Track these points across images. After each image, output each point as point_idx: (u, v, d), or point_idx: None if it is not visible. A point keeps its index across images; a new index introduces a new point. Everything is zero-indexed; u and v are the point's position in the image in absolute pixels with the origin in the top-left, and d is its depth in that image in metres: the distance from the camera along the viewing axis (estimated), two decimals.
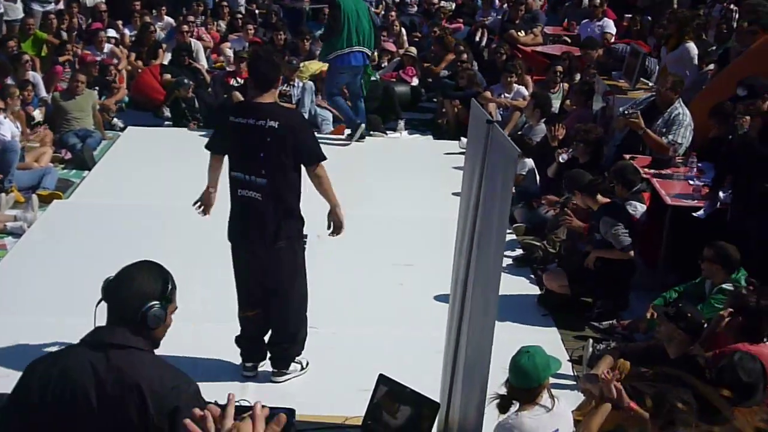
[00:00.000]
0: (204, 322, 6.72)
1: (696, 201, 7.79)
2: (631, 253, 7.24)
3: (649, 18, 15.49)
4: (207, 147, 6.21)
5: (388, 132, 12.63)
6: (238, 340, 6.35)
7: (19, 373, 5.85)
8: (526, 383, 4.70)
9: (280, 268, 6.07)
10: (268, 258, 6.03)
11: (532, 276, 8.12)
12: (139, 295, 3.22)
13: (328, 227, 6.28)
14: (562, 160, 9.09)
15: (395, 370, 4.95)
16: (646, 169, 8.41)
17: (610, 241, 7.23)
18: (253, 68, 6.14)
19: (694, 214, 7.63)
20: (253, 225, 5.97)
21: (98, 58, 13.30)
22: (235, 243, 6.14)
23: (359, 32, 11.52)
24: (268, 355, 6.38)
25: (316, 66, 13.63)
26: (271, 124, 5.80)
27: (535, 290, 7.85)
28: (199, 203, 6.43)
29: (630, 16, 15.72)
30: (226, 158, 6.09)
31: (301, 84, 12.77)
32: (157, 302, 3.23)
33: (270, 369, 6.37)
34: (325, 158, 6.05)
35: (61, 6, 15.48)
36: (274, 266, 6.05)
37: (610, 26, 14.96)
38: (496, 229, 4.07)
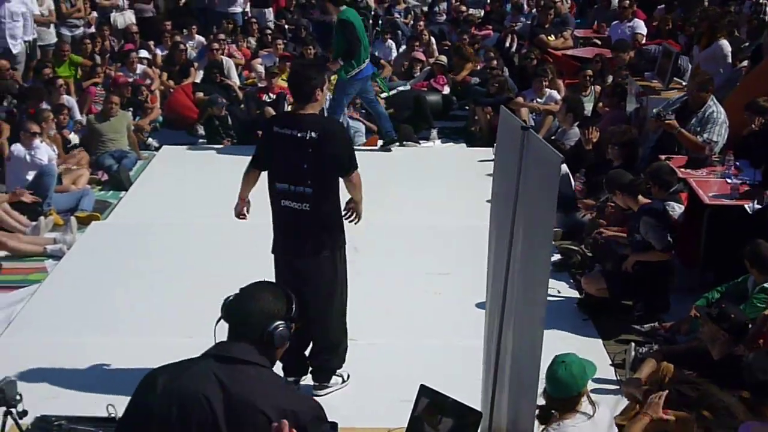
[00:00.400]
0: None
1: (734, 200, 7.71)
2: (672, 253, 7.18)
3: (681, 14, 15.36)
4: (252, 162, 6.21)
5: (420, 141, 12.63)
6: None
7: (65, 392, 5.91)
8: (566, 393, 4.66)
9: (321, 278, 6.08)
10: (311, 269, 6.04)
11: (571, 281, 8.07)
12: (265, 313, 3.23)
13: (346, 211, 6.27)
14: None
15: (435, 380, 4.94)
16: (682, 169, 8.34)
17: (649, 241, 7.17)
18: (292, 82, 6.21)
19: (747, 208, 7.54)
20: (298, 236, 5.99)
21: (130, 79, 13.41)
22: (278, 255, 6.13)
23: (365, 45, 11.73)
24: (309, 369, 6.37)
25: None
26: (312, 135, 5.85)
27: (575, 295, 7.80)
28: (239, 214, 6.39)
29: (662, 6, 15.55)
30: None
31: (331, 96, 12.79)
32: (283, 322, 3.25)
33: (311, 383, 6.37)
34: (357, 166, 6.10)
35: (92, 29, 15.64)
36: (317, 277, 6.06)
37: (640, 27, 14.87)
38: (542, 237, 4.02)
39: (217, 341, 3.26)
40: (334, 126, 6.49)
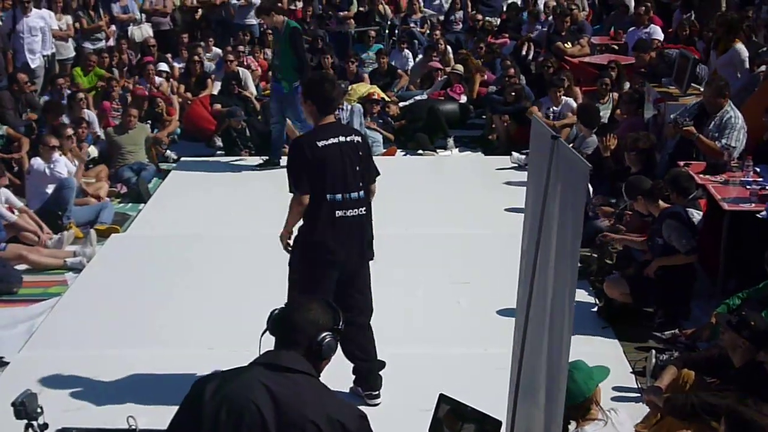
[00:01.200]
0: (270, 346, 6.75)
1: (754, 205, 7.67)
2: (696, 256, 7.16)
3: (693, 18, 15.28)
4: (296, 189, 5.92)
5: (438, 150, 12.63)
6: None
7: (86, 404, 5.93)
8: (571, 400, 4.65)
9: (367, 282, 6.25)
10: (361, 273, 6.18)
11: (590, 288, 8.04)
12: (315, 324, 3.27)
13: None
14: None
15: (456, 389, 4.93)
16: (700, 176, 8.30)
17: (673, 245, 7.14)
18: (319, 91, 5.99)
19: (758, 215, 7.51)
20: (357, 243, 6.05)
21: (146, 92, 13.48)
22: (330, 265, 6.00)
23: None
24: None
25: (364, 88, 13.73)
26: (357, 139, 5.99)
27: (594, 302, 7.77)
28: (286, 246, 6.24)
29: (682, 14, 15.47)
30: None
31: (349, 107, 12.84)
32: (330, 333, 3.28)
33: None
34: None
35: (111, 42, 15.74)
36: (364, 281, 6.22)
37: (657, 33, 14.82)
38: (570, 246, 3.97)
39: (262, 352, 3.31)
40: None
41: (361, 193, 5.96)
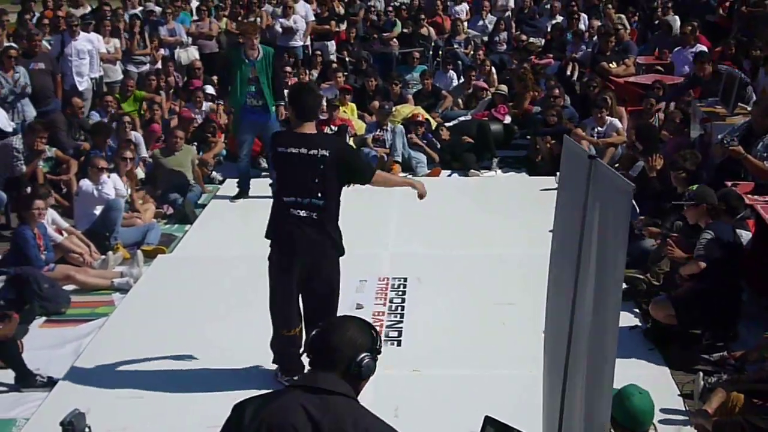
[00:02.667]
0: None
1: None
2: (702, 264, 7.06)
3: (744, 38, 15.14)
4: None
5: (482, 171, 12.61)
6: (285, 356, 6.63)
7: (133, 425, 5.97)
8: (639, 425, 4.61)
9: (330, 282, 6.51)
10: (320, 273, 6.44)
11: (636, 310, 7.97)
12: (353, 344, 3.25)
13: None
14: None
15: (502, 412, 4.90)
16: (748, 196, 8.21)
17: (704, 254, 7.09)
18: (299, 99, 6.44)
19: None
20: (308, 242, 6.31)
21: (192, 115, 13.61)
22: (286, 262, 6.39)
23: None
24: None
25: (408, 109, 13.76)
26: (323, 153, 6.22)
27: (641, 324, 7.70)
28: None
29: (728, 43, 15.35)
30: None
31: (392, 127, 12.87)
32: (369, 353, 3.27)
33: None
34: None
35: (158, 65, 15.92)
36: (326, 281, 6.48)
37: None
38: (613, 269, 3.94)
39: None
40: (341, 142, 7.29)
41: (319, 201, 6.25)
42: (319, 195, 6.25)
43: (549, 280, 4.87)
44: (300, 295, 6.53)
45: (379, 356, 3.32)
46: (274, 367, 6.77)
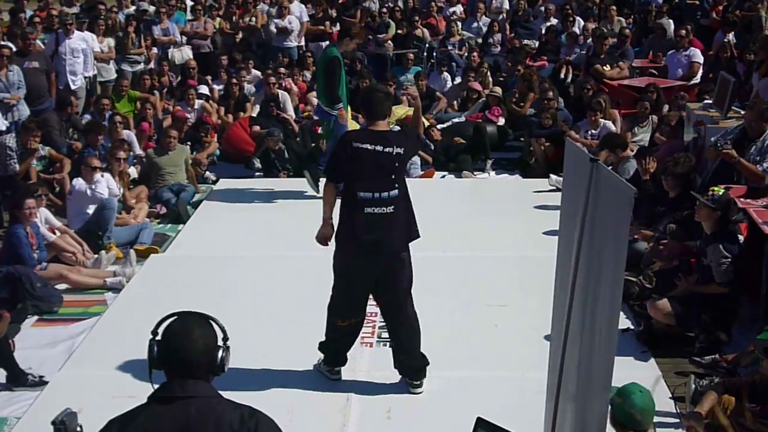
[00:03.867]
0: (305, 365, 6.77)
1: None
2: (730, 288, 7.09)
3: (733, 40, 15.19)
4: (327, 177, 6.64)
5: (476, 172, 12.62)
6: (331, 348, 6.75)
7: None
8: (638, 424, 4.62)
9: (403, 276, 6.51)
10: (393, 267, 6.44)
11: (629, 312, 7.97)
12: (208, 351, 3.23)
13: None
14: None
15: (493, 413, 4.91)
16: (741, 199, 8.22)
17: (711, 267, 7.09)
18: (370, 99, 6.51)
19: None
20: (386, 236, 6.31)
21: (188, 115, 13.61)
22: (358, 256, 6.38)
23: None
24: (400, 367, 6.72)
25: (402, 111, 13.74)
26: (398, 150, 6.33)
27: (633, 327, 7.71)
28: (320, 237, 6.64)
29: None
30: None
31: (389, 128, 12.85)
32: (222, 348, 3.28)
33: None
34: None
35: (152, 65, 15.91)
36: (399, 275, 6.48)
37: (697, 55, 14.76)
38: (613, 271, 3.94)
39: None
40: (410, 138, 6.86)
41: (392, 192, 6.29)
42: (396, 186, 6.33)
43: (555, 283, 4.87)
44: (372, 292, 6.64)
45: (229, 341, 3.28)
46: (279, 363, 6.89)
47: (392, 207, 6.29)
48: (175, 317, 3.30)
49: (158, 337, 3.26)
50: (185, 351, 3.18)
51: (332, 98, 10.85)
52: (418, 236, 6.51)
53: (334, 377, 6.80)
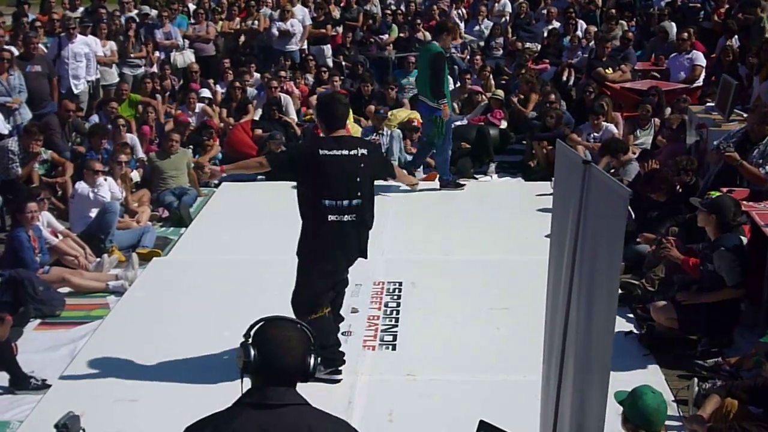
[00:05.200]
0: None
1: None
2: (740, 291, 7.09)
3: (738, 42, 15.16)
4: (270, 163, 6.75)
5: (478, 176, 12.62)
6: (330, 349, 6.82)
7: (127, 427, 5.96)
8: (649, 425, 4.62)
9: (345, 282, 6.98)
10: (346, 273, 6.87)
11: (631, 315, 7.97)
12: (300, 358, 3.14)
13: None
14: None
15: (495, 416, 4.91)
16: (744, 202, 8.22)
17: (722, 275, 7.07)
18: (329, 108, 6.68)
19: None
20: (348, 244, 6.59)
21: (188, 119, 13.62)
22: (323, 260, 6.61)
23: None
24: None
25: (404, 114, 13.76)
26: (362, 151, 6.52)
27: (636, 330, 7.70)
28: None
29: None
30: None
31: (389, 132, 12.88)
32: (312, 353, 3.18)
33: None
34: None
35: (154, 68, 15.91)
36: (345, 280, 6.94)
37: (699, 58, 14.76)
38: (608, 274, 3.92)
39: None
40: (372, 143, 7.17)
41: (355, 201, 6.48)
42: (359, 194, 6.50)
43: (548, 286, 4.87)
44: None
45: (315, 347, 3.19)
46: None
47: (354, 215, 6.50)
48: (266, 322, 3.22)
49: (255, 342, 3.18)
50: (286, 358, 3.12)
51: (438, 94, 11.10)
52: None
53: (336, 379, 6.79)
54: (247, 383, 3.14)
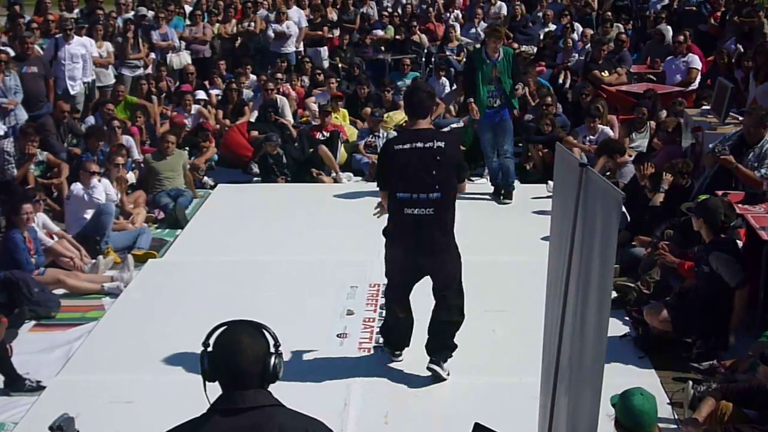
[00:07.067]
0: (306, 373, 6.77)
1: None
2: (745, 289, 7.09)
3: (737, 46, 15.17)
4: (379, 187, 6.79)
5: (473, 178, 12.61)
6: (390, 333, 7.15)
7: (122, 429, 5.94)
8: (639, 427, 4.61)
9: (447, 280, 6.78)
10: (441, 271, 6.73)
11: (627, 318, 7.97)
12: (258, 359, 3.11)
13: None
14: None
15: (491, 418, 4.91)
16: (739, 205, 8.23)
17: (719, 275, 7.07)
18: (413, 98, 6.66)
19: None
20: (427, 239, 6.53)
21: (184, 120, 13.62)
22: (403, 255, 6.68)
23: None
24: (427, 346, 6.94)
25: (400, 116, 13.76)
26: (439, 144, 6.46)
27: (631, 332, 7.70)
28: (378, 210, 6.99)
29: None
30: None
31: (385, 134, 12.88)
32: (274, 355, 3.14)
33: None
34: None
35: (149, 70, 15.90)
36: (444, 279, 6.77)
37: (695, 62, 14.77)
38: (601, 276, 3.93)
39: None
40: (454, 136, 7.29)
41: (433, 194, 6.42)
42: (437, 188, 6.44)
43: (546, 288, 4.87)
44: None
45: (281, 347, 3.16)
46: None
47: (432, 209, 6.46)
48: (220, 328, 3.23)
49: (210, 349, 3.21)
50: (235, 361, 3.11)
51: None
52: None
53: (397, 359, 7.12)
54: (218, 389, 3.15)
